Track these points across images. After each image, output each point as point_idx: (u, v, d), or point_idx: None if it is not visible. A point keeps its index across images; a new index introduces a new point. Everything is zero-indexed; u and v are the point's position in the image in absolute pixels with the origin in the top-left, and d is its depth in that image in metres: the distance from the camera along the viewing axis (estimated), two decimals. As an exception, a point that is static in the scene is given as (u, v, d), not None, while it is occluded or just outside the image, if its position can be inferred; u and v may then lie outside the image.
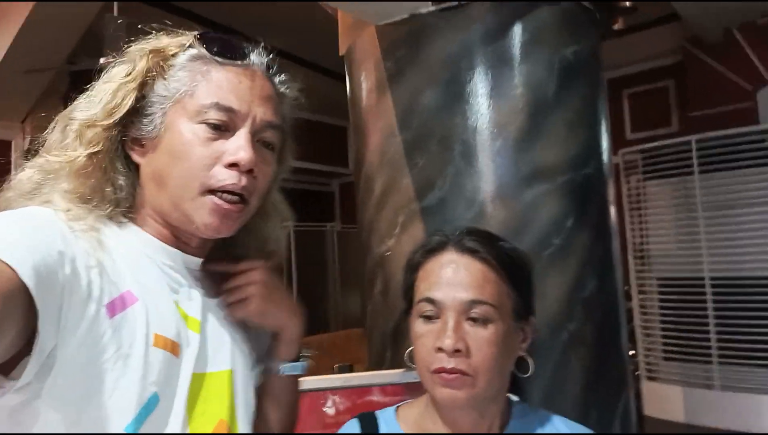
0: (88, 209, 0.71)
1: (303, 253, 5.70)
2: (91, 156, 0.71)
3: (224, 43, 0.75)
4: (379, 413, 0.92)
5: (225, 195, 0.72)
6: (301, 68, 4.76)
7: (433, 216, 1.84)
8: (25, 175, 0.72)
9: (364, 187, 2.08)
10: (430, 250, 0.88)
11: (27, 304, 0.56)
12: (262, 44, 0.79)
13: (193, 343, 0.73)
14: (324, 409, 1.55)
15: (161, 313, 0.71)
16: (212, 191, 0.72)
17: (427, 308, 0.84)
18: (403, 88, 1.95)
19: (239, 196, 0.73)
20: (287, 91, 0.83)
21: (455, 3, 1.87)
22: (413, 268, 0.90)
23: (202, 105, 0.72)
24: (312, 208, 6.61)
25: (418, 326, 0.85)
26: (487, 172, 1.80)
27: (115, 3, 3.54)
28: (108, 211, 0.73)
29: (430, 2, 1.88)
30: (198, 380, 0.72)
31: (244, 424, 0.78)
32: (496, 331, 0.82)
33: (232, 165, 0.72)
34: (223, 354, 0.78)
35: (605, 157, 1.96)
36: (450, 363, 0.79)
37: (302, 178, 6.45)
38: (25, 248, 0.58)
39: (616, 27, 2.16)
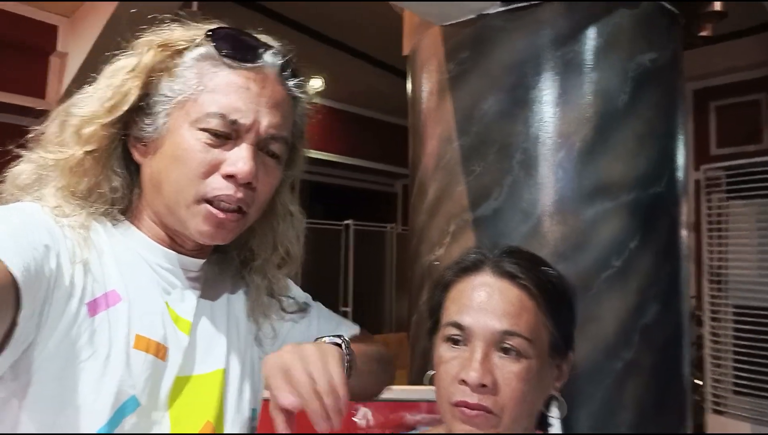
0: (80, 206, 0.70)
1: (362, 252, 5.70)
2: (87, 154, 0.70)
3: (235, 44, 0.71)
4: None
5: (221, 204, 0.69)
6: (370, 67, 4.75)
7: (487, 227, 1.76)
8: (19, 169, 0.71)
9: (418, 191, 2.02)
10: (464, 268, 0.81)
11: (15, 297, 0.55)
12: (278, 45, 0.75)
13: (181, 345, 0.72)
14: (354, 419, 1.50)
15: (148, 314, 0.69)
16: (208, 200, 0.69)
17: (454, 333, 0.77)
18: (464, 91, 1.87)
19: (236, 207, 0.71)
20: (302, 94, 0.78)
21: (525, 4, 1.77)
22: (444, 286, 0.83)
23: (205, 112, 0.69)
24: (374, 208, 6.61)
25: (443, 351, 0.78)
26: (547, 184, 1.70)
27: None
28: (103, 209, 0.72)
29: (498, 2, 1.80)
30: (181, 383, 0.71)
31: (233, 425, 0.75)
32: (529, 368, 0.74)
33: (230, 176, 0.69)
34: (215, 354, 0.75)
35: (679, 175, 1.81)
36: (473, 398, 0.72)
37: (365, 178, 6.45)
38: (14, 242, 0.57)
39: (703, 34, 1.99)
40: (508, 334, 0.74)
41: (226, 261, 0.85)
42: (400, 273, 6.09)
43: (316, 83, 5.05)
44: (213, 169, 0.69)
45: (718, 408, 3.41)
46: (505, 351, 0.74)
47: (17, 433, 0.61)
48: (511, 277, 0.77)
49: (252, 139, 0.70)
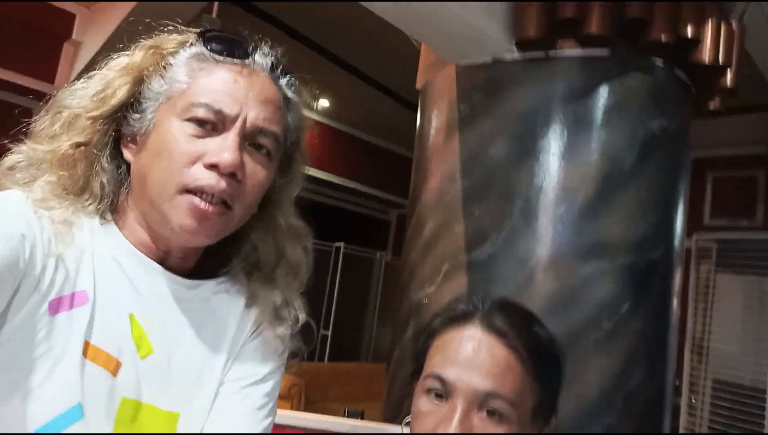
0: (67, 201, 0.67)
1: (348, 276, 5.66)
2: (76, 147, 0.68)
3: (224, 41, 0.70)
4: None
5: (203, 195, 0.66)
6: (378, 93, 4.78)
7: (481, 271, 1.74)
8: (12, 159, 0.69)
9: (415, 226, 2.01)
10: (452, 318, 0.78)
11: None
12: (268, 44, 0.74)
13: (137, 364, 0.66)
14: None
15: (109, 323, 0.65)
16: (189, 191, 0.66)
17: (436, 386, 0.73)
18: (472, 133, 1.87)
19: (220, 199, 0.67)
20: (294, 95, 0.76)
21: (542, 54, 1.79)
22: (430, 333, 0.80)
23: (191, 102, 0.67)
24: (365, 233, 6.59)
25: (422, 403, 0.75)
26: (545, 236, 1.69)
27: (216, 4, 3.67)
28: (91, 205, 0.69)
29: (515, 49, 1.81)
30: (130, 407, 0.65)
31: None
32: (509, 432, 0.71)
33: (212, 166, 0.66)
34: (175, 390, 0.69)
35: (676, 243, 1.81)
36: None
37: (360, 202, 6.45)
38: None
39: (711, 107, 2.02)
40: (491, 395, 0.71)
41: (228, 285, 0.79)
42: (384, 302, 6.04)
43: (324, 103, 5.07)
44: (195, 159, 0.66)
45: (687, 480, 3.38)
46: (487, 413, 0.71)
47: None
48: (500, 334, 0.74)
49: (238, 130, 0.67)
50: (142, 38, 0.73)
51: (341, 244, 5.66)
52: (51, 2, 3.95)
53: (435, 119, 2.03)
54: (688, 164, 1.93)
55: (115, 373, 0.65)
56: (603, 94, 1.74)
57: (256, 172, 0.70)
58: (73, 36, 4.11)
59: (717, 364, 3.39)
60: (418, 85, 2.26)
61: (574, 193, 1.69)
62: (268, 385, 0.78)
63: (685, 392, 3.42)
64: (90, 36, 4.07)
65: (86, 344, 0.63)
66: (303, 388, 4.07)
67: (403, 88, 4.54)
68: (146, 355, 0.68)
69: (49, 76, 4.07)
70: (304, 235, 0.83)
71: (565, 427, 1.54)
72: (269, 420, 0.77)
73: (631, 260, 1.66)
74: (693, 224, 4.27)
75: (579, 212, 1.68)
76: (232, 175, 0.66)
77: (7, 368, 0.59)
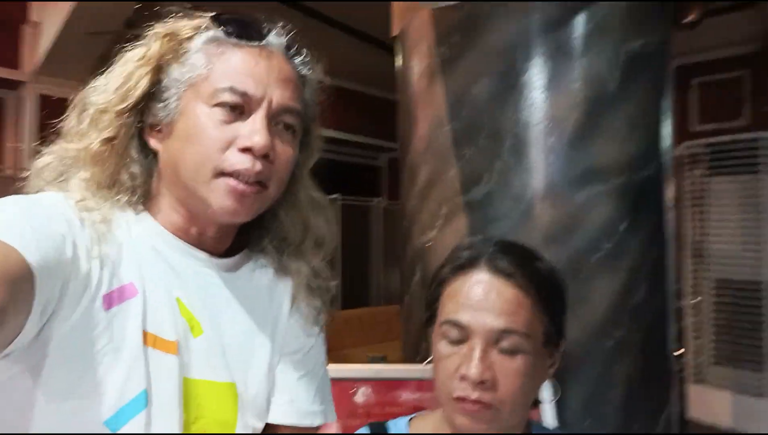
0: (104, 197, 0.70)
1: (348, 227, 5.71)
2: (106, 142, 0.70)
3: (240, 24, 0.72)
4: (390, 424, 0.89)
5: (240, 178, 0.68)
6: (352, 39, 4.68)
7: (478, 210, 1.78)
8: (43, 161, 0.71)
9: (409, 174, 2.03)
10: (459, 266, 0.83)
11: (33, 288, 0.55)
12: (281, 24, 0.75)
13: (191, 344, 0.71)
14: (354, 399, 1.54)
15: (161, 310, 0.69)
16: (226, 174, 0.68)
17: (452, 331, 0.79)
18: (455, 75, 1.87)
19: (256, 180, 0.69)
20: (309, 73, 0.78)
21: (516, -13, 1.77)
22: (440, 282, 0.84)
23: (216, 88, 0.69)
24: (359, 182, 6.60)
25: (442, 347, 0.80)
26: (538, 168, 1.72)
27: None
28: (125, 198, 0.72)
29: (488, -14, 1.79)
30: (192, 385, 0.70)
31: None
32: (525, 362, 0.76)
33: (246, 149, 0.68)
34: (228, 362, 0.74)
35: (667, 157, 1.85)
36: (474, 393, 0.74)
37: (350, 151, 6.42)
38: (33, 234, 0.58)
39: (690, 19, 2.00)
40: (505, 332, 0.76)
41: (262, 262, 0.83)
42: (387, 246, 6.12)
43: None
44: (227, 144, 0.68)
45: (698, 378, 3.53)
46: (503, 348, 0.76)
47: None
48: (506, 274, 0.79)
49: (265, 111, 0.69)
50: (150, 26, 0.73)
51: (337, 196, 5.68)
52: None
53: (416, 65, 2.02)
54: (671, 78, 1.93)
55: (177, 355, 0.69)
56: (580, 20, 1.73)
57: (285, 150, 0.73)
58: (31, 17, 3.99)
59: (717, 264, 3.49)
60: (394, 31, 2.23)
61: (562, 122, 1.71)
62: (314, 352, 0.84)
63: (689, 295, 3.53)
64: (48, 15, 3.94)
65: (144, 333, 0.67)
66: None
67: (376, 31, 4.45)
68: (198, 335, 0.72)
69: (13, 62, 3.96)
70: (325, 206, 0.86)
71: (576, 346, 1.62)
72: (325, 380, 0.86)
73: (625, 180, 1.70)
74: (682, 133, 4.30)
75: (569, 140, 1.70)
76: (265, 156, 0.69)
77: (73, 363, 0.63)
